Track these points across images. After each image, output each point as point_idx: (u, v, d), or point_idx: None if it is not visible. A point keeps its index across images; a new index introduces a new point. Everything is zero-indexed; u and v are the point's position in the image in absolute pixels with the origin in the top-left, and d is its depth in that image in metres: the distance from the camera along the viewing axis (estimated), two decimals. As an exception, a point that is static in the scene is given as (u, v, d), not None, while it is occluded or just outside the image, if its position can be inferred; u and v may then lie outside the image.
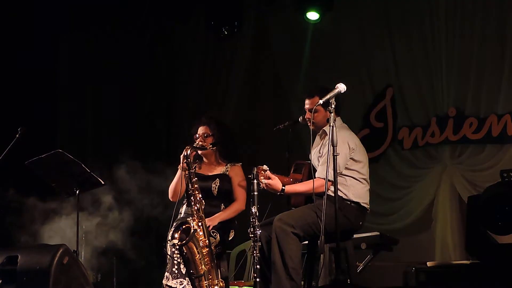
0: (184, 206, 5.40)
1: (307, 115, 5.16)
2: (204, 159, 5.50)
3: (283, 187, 4.95)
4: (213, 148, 5.32)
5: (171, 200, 5.44)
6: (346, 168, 5.02)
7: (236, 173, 5.42)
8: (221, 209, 5.35)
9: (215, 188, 5.36)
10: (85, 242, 7.18)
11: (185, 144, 5.18)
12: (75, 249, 5.83)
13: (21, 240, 7.28)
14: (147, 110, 9.11)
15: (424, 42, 7.31)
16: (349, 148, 5.01)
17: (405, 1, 7.49)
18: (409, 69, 7.44)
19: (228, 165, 5.45)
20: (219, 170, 5.45)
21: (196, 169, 5.42)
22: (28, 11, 8.47)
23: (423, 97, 7.33)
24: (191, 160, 5.08)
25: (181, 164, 5.13)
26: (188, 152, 5.04)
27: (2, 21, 8.28)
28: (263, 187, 4.92)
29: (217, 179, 5.39)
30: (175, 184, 5.37)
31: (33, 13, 8.50)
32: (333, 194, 4.60)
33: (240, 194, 5.39)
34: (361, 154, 5.12)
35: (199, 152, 5.37)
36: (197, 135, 5.40)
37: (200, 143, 5.29)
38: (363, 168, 5.10)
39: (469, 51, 7.04)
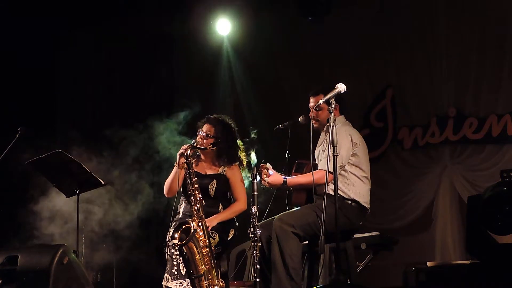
0: (183, 205, 5.39)
1: (311, 113, 5.17)
2: (202, 157, 5.47)
3: (285, 179, 4.97)
4: (213, 148, 5.30)
5: (167, 196, 5.41)
6: (349, 164, 5.03)
7: (233, 173, 5.38)
8: (219, 209, 5.32)
9: (212, 189, 5.32)
10: (85, 241, 7.19)
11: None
12: (75, 249, 5.83)
13: (21, 240, 7.29)
14: (146, 110, 9.09)
15: (424, 42, 7.32)
16: (352, 142, 5.02)
17: (405, 1, 7.49)
18: (409, 69, 7.44)
19: (225, 165, 5.40)
20: (216, 170, 5.41)
21: (193, 166, 5.40)
22: (28, 11, 8.48)
23: (423, 97, 7.33)
24: (190, 157, 5.07)
25: (177, 161, 5.12)
26: (189, 152, 5.04)
27: (2, 22, 8.28)
28: (266, 185, 4.94)
29: (214, 180, 5.34)
30: (171, 181, 5.33)
31: (33, 13, 8.51)
32: (333, 193, 4.60)
33: (240, 194, 5.35)
34: (363, 152, 5.14)
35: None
36: (200, 132, 5.39)
37: (199, 140, 5.28)
38: (365, 166, 5.11)
39: (469, 51, 7.04)
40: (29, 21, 8.54)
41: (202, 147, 5.22)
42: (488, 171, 6.82)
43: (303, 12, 7.73)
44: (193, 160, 5.36)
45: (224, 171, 5.38)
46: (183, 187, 5.33)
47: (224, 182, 5.35)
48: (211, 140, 5.30)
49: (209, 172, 5.39)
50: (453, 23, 7.15)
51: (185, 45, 8.88)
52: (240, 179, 5.37)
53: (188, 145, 5.14)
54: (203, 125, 5.41)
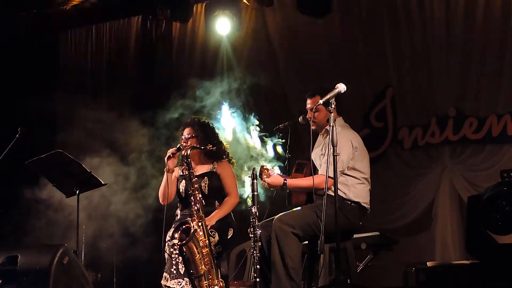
0: (179, 209, 5.42)
1: (309, 114, 5.17)
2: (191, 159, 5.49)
3: (285, 181, 4.98)
4: (214, 148, 5.31)
5: (162, 203, 5.42)
6: (348, 167, 5.02)
7: (223, 169, 5.43)
8: (216, 206, 5.34)
9: (205, 186, 5.35)
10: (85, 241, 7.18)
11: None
12: (75, 249, 5.83)
13: (21, 240, 7.28)
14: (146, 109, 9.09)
15: (424, 42, 7.31)
16: (352, 146, 5.02)
17: (405, 1, 7.49)
18: (409, 69, 7.43)
19: (214, 162, 5.46)
20: (206, 168, 5.45)
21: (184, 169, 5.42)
22: (28, 10, 8.47)
23: (423, 97, 7.33)
24: (189, 157, 5.09)
25: (166, 167, 5.22)
26: (189, 152, 5.06)
27: (2, 22, 8.28)
28: (266, 186, 4.95)
29: (206, 177, 5.38)
30: (163, 188, 5.38)
31: (32, 12, 8.50)
32: (333, 194, 4.60)
33: (231, 188, 5.40)
34: (363, 154, 5.13)
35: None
36: (182, 136, 5.45)
37: (184, 144, 5.33)
38: (365, 168, 5.11)
39: (469, 51, 7.04)
40: (29, 20, 8.54)
41: (202, 147, 5.23)
42: (488, 171, 6.82)
43: (303, 12, 7.72)
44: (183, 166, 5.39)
45: (214, 168, 5.44)
46: (177, 192, 5.40)
47: (215, 178, 5.40)
48: (194, 140, 5.37)
49: (199, 172, 5.41)
50: (453, 23, 7.14)
51: (185, 45, 8.88)
52: (230, 174, 5.43)
53: (174, 148, 5.25)
54: (183, 130, 5.49)
